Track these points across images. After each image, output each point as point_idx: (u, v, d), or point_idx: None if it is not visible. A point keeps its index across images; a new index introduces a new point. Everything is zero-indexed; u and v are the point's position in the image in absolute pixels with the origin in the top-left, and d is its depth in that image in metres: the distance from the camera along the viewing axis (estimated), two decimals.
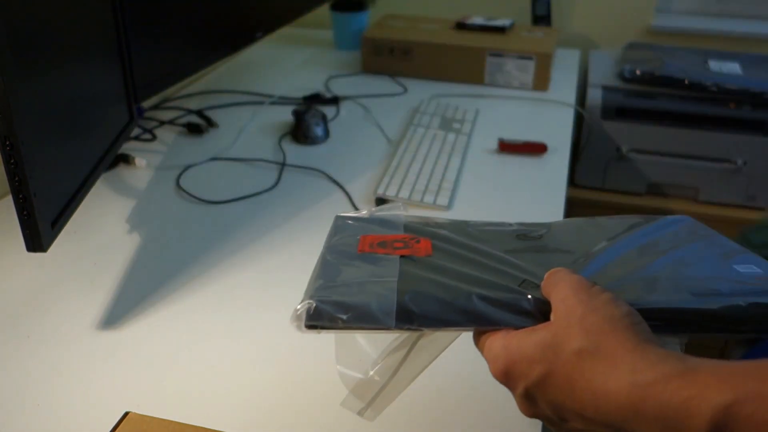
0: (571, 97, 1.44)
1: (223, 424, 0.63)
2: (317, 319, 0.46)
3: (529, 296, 0.46)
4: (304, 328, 0.46)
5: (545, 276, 0.47)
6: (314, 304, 0.46)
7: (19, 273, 0.85)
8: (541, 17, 1.77)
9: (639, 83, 1.58)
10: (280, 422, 0.64)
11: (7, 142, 0.60)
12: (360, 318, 0.46)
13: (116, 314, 0.78)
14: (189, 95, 1.40)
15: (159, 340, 0.74)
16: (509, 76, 1.48)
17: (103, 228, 0.94)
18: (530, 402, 0.43)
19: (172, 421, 0.62)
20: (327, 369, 0.71)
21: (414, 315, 0.46)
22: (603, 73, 1.66)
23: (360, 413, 0.50)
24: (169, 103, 1.35)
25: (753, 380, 0.34)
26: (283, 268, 0.86)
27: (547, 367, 0.41)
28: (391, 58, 1.53)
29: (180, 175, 1.09)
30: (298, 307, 0.46)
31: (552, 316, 0.44)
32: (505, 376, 0.44)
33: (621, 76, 1.61)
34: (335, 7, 1.69)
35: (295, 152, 1.16)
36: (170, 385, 0.68)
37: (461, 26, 1.59)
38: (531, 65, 1.46)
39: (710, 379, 0.35)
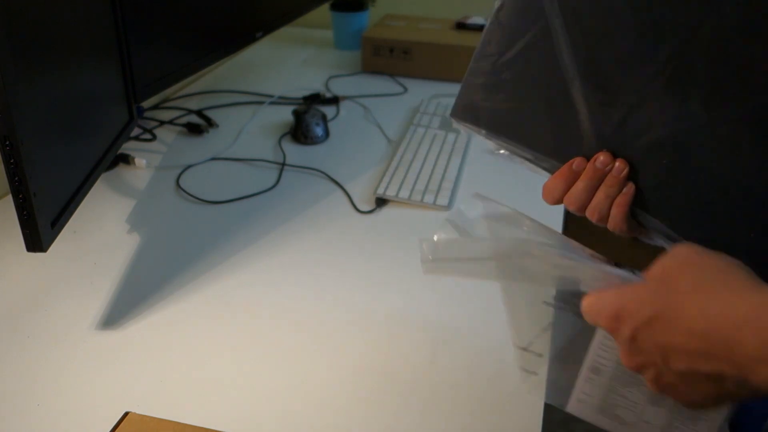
0: None
1: (223, 424, 0.63)
2: None
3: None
4: None
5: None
6: None
7: (19, 273, 0.85)
8: None
9: None
10: (280, 422, 0.64)
11: (7, 142, 0.60)
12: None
13: (116, 314, 0.78)
14: (189, 95, 1.40)
15: (159, 340, 0.74)
16: None
17: (103, 228, 0.94)
18: (635, 346, 0.44)
19: (172, 421, 0.62)
20: (327, 369, 0.71)
21: None
22: None
23: (423, 262, 0.51)
24: (169, 103, 1.35)
25: None
26: (283, 268, 0.86)
27: (659, 305, 0.43)
28: (391, 58, 1.53)
29: (180, 175, 1.09)
30: None
31: (660, 270, 0.45)
32: (615, 319, 0.45)
33: None
34: (335, 7, 1.69)
35: (295, 152, 1.16)
36: (170, 385, 0.68)
37: (461, 26, 1.58)
38: None
39: None
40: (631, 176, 0.52)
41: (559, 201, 0.55)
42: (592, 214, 0.54)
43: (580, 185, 0.53)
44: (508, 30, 0.54)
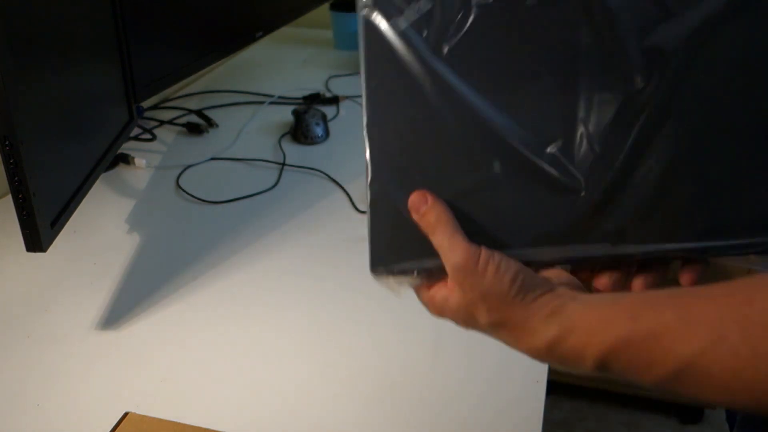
0: None
1: (222, 424, 0.63)
2: None
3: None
4: None
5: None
6: None
7: (19, 273, 0.85)
8: None
9: None
10: (280, 423, 0.64)
11: (7, 142, 0.60)
12: None
13: (116, 314, 0.78)
14: (189, 95, 1.40)
15: (159, 340, 0.74)
16: None
17: (103, 228, 0.94)
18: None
19: (172, 421, 0.62)
20: (327, 369, 0.71)
21: None
22: None
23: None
24: (168, 103, 1.35)
25: (623, 322, 0.40)
26: (282, 268, 0.86)
27: (473, 326, 0.46)
28: None
29: (180, 175, 1.09)
30: None
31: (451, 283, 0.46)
32: (441, 317, 0.48)
33: None
34: (335, 7, 1.69)
35: (295, 152, 1.16)
36: (170, 385, 0.68)
37: None
38: None
39: (586, 333, 0.41)
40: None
41: None
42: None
43: None
44: None
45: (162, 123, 1.26)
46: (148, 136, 1.21)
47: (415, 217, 0.48)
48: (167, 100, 1.37)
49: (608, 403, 1.82)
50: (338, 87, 1.46)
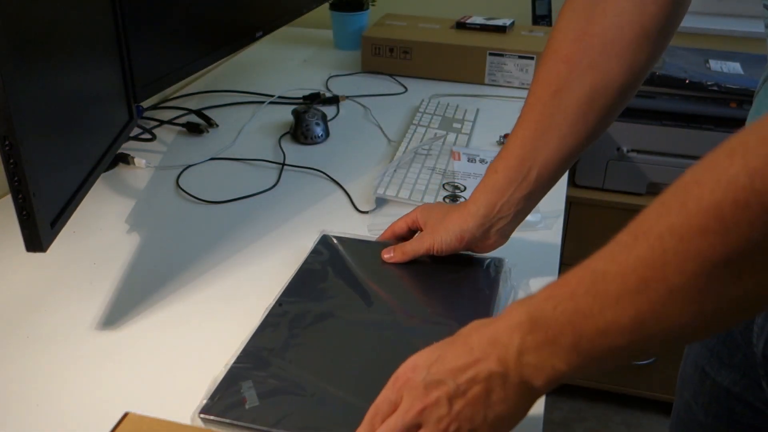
0: None
1: None
2: None
3: None
4: None
5: None
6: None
7: (19, 273, 0.85)
8: (542, 17, 1.77)
9: None
10: None
11: (7, 142, 0.60)
12: None
13: (116, 314, 0.78)
14: (189, 95, 1.40)
15: (159, 340, 0.74)
16: (510, 75, 1.47)
17: (103, 228, 0.94)
18: (431, 379, 0.52)
19: (172, 422, 0.62)
20: None
21: None
22: None
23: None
24: (168, 103, 1.35)
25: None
26: (283, 269, 0.86)
27: (444, 344, 0.54)
28: (391, 57, 1.53)
29: (180, 175, 1.08)
30: None
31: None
32: (413, 369, 0.53)
33: None
34: (335, 7, 1.69)
35: (295, 152, 1.16)
36: (170, 385, 0.68)
37: (461, 26, 1.59)
38: (531, 65, 1.46)
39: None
40: None
41: None
42: None
43: None
44: None
45: (162, 123, 1.26)
46: (148, 136, 1.21)
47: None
48: (167, 100, 1.37)
49: (608, 403, 1.82)
50: (338, 87, 1.46)
